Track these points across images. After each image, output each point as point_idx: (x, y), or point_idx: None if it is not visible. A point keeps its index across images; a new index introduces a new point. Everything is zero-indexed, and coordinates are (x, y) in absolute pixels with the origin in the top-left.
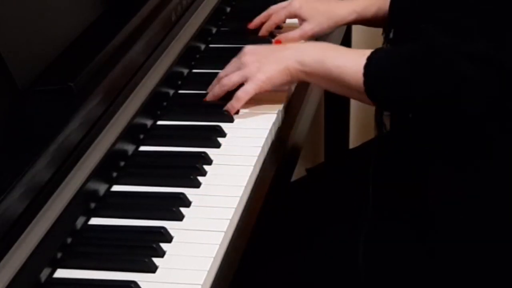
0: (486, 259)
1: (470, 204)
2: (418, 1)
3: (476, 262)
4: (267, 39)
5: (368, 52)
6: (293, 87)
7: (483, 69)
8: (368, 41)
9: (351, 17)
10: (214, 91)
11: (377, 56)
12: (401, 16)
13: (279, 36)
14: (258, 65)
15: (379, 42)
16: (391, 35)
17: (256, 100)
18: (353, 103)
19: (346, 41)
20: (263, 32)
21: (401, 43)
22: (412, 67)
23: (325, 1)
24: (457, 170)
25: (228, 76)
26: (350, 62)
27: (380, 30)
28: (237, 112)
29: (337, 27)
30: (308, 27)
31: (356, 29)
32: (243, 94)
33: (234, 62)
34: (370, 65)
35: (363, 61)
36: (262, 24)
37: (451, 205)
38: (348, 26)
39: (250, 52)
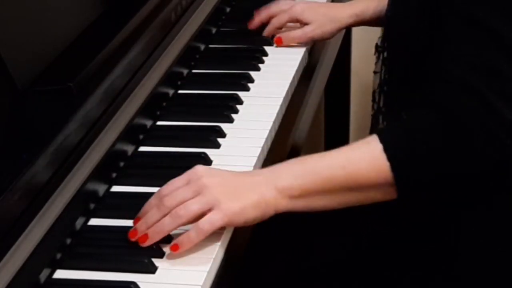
0: (496, 266)
1: (498, 224)
2: (416, 25)
3: (485, 270)
4: (267, 41)
5: (370, 139)
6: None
7: None
8: (368, 41)
9: (351, 20)
10: (165, 227)
11: (391, 134)
12: (397, 38)
13: (281, 35)
14: (224, 191)
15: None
16: (384, 54)
17: (256, 101)
18: (353, 104)
19: (346, 40)
20: (265, 34)
21: (395, 64)
22: (449, 127)
23: (326, 5)
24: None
25: (185, 205)
26: (357, 156)
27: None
28: (235, 111)
29: (338, 31)
30: (309, 29)
31: (356, 29)
32: (207, 226)
33: (185, 186)
34: (391, 147)
35: (375, 147)
36: (262, 24)
37: (458, 218)
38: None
39: (209, 174)
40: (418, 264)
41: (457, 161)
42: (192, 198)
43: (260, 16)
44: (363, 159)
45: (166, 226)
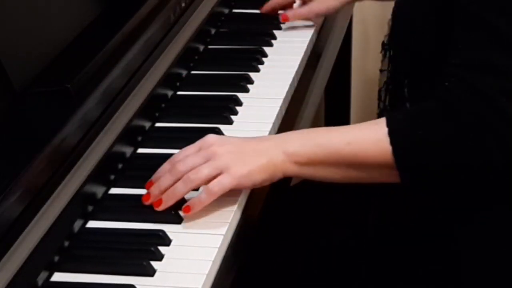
0: (501, 267)
1: (500, 236)
2: (421, 24)
3: (487, 270)
4: (267, 42)
5: (378, 121)
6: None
7: None
8: (368, 41)
9: None
10: (178, 190)
11: (397, 120)
12: (403, 36)
13: (286, 12)
14: (234, 156)
15: (379, 41)
16: (391, 52)
17: (256, 102)
18: (354, 104)
19: (346, 41)
20: (268, 7)
21: (401, 62)
22: (451, 120)
23: None
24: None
25: (196, 169)
26: (363, 135)
27: (383, 26)
28: (235, 113)
29: (342, 5)
30: (315, 5)
31: (356, 29)
32: (217, 188)
33: (197, 153)
34: (395, 131)
35: (381, 129)
36: (272, 10)
37: (460, 216)
38: (348, 26)
39: (220, 142)
40: (420, 267)
41: (455, 151)
42: (203, 164)
43: (268, 3)
44: (368, 139)
45: (179, 190)
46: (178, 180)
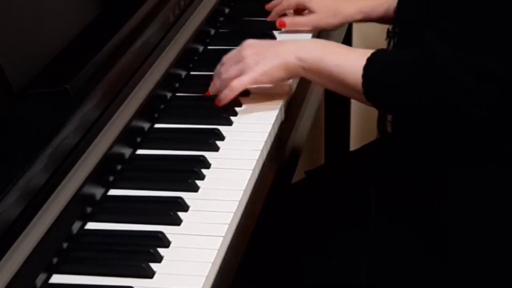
0: (500, 267)
1: (480, 208)
2: (423, 10)
3: (490, 270)
4: (269, 34)
5: (369, 53)
6: (294, 86)
7: (482, 80)
8: (368, 41)
9: (358, 16)
10: (215, 85)
11: (377, 58)
12: (407, 24)
13: (285, 19)
14: (257, 58)
15: (379, 41)
16: (395, 40)
17: (255, 102)
18: (354, 105)
19: (346, 41)
20: (272, 15)
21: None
22: (410, 73)
23: None
24: (464, 172)
25: (226, 70)
26: (349, 62)
27: (383, 26)
28: (234, 114)
29: (342, 24)
30: (314, 18)
31: (356, 29)
32: (237, 84)
33: (233, 56)
34: (369, 67)
35: (363, 61)
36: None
37: (460, 210)
38: (349, 26)
39: (250, 46)
40: (414, 263)
41: (417, 86)
42: (234, 65)
43: (274, 1)
44: (351, 67)
45: (216, 85)
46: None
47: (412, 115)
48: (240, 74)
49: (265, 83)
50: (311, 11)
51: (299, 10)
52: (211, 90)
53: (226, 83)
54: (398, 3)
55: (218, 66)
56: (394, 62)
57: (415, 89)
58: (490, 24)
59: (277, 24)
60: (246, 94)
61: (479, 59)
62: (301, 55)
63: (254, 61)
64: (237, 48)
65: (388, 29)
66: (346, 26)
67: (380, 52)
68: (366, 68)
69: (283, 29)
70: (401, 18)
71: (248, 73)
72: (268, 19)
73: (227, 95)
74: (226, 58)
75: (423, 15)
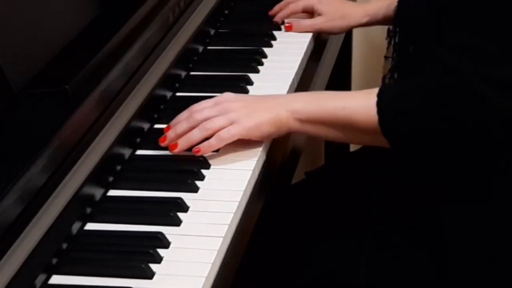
0: (499, 268)
1: (480, 208)
2: (425, 10)
3: (489, 271)
4: (267, 43)
5: (373, 91)
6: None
7: (506, 95)
8: (368, 41)
9: (364, 20)
10: (194, 136)
11: (388, 90)
12: (408, 22)
13: (291, 22)
14: (247, 111)
15: (379, 41)
16: (396, 39)
17: None
18: None
19: (346, 41)
20: (278, 18)
21: (406, 49)
22: (432, 94)
23: (342, 2)
24: (465, 172)
25: (211, 120)
26: (357, 102)
27: (383, 27)
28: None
29: (348, 29)
30: (320, 20)
31: (357, 29)
32: (226, 135)
33: (213, 106)
34: (383, 101)
35: (372, 98)
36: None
37: (460, 210)
38: None
39: (235, 99)
40: (414, 264)
41: (435, 125)
42: (218, 116)
43: (280, 4)
44: (360, 106)
45: (194, 136)
46: (193, 127)
47: (436, 146)
48: (227, 125)
49: (254, 138)
50: (318, 14)
51: (306, 12)
52: (175, 134)
53: (209, 133)
54: (399, 2)
55: (191, 112)
56: (409, 89)
57: (439, 113)
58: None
59: (284, 27)
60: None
61: (503, 72)
62: (294, 106)
63: (243, 114)
64: (213, 99)
65: (388, 28)
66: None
67: (389, 85)
68: (380, 102)
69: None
70: (402, 17)
71: (239, 125)
72: (275, 20)
73: (213, 145)
74: (200, 105)
75: (424, 14)
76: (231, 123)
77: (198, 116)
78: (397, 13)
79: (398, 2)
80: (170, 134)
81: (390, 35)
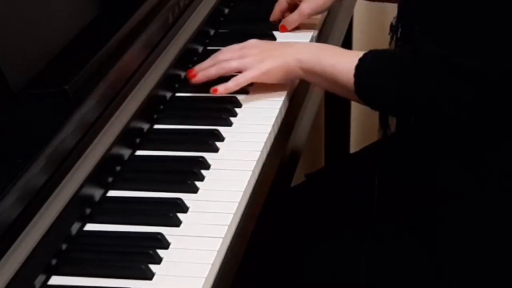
0: (497, 272)
1: (481, 210)
2: (427, 6)
3: (488, 276)
4: (270, 35)
5: (360, 53)
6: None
7: (465, 80)
8: (369, 41)
9: None
10: (210, 71)
11: (368, 57)
12: (409, 18)
13: (283, 22)
14: (261, 58)
15: (379, 41)
16: (398, 34)
17: (255, 103)
18: (354, 107)
19: (347, 42)
20: (271, 19)
21: (409, 43)
22: (398, 72)
23: None
24: (466, 174)
25: (228, 61)
26: (343, 62)
27: (384, 26)
28: (234, 115)
29: (332, 3)
30: (305, 6)
31: (357, 30)
32: (242, 79)
33: (236, 50)
34: (361, 66)
35: (355, 61)
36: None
37: (461, 212)
38: (349, 28)
39: (254, 45)
40: (414, 265)
41: (405, 85)
42: (236, 59)
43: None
44: (344, 66)
45: (211, 71)
46: (214, 62)
47: (399, 113)
48: (241, 68)
49: (266, 82)
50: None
51: (292, 4)
52: (199, 68)
53: (223, 71)
54: (400, 7)
55: (217, 53)
56: (383, 60)
57: (402, 88)
58: (476, 23)
59: (280, 30)
60: (245, 92)
61: (464, 59)
62: (300, 56)
63: (258, 60)
64: (241, 44)
65: (391, 23)
66: (347, 25)
67: (373, 52)
68: (358, 67)
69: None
70: (403, 12)
71: (252, 70)
72: (271, 19)
73: (230, 87)
74: (227, 48)
75: (423, 9)
76: (245, 68)
77: (220, 57)
78: (399, 8)
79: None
80: (195, 68)
81: (392, 30)
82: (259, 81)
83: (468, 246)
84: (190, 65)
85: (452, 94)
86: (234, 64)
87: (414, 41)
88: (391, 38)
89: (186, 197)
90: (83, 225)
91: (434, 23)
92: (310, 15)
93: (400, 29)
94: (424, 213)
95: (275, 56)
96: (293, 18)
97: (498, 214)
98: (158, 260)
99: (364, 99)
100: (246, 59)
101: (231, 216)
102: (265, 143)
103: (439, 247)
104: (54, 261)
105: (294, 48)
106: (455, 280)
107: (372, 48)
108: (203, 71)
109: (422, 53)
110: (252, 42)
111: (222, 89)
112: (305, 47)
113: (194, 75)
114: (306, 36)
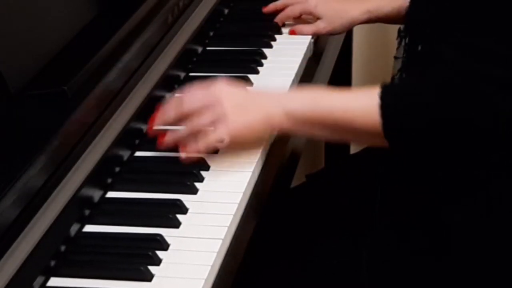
0: (497, 273)
1: (484, 211)
2: (437, 13)
3: (488, 276)
4: (266, 43)
5: (373, 91)
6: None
7: (507, 92)
8: (369, 41)
9: (364, 16)
10: (181, 132)
11: (390, 93)
12: (418, 23)
13: (294, 28)
14: (236, 111)
15: (379, 41)
16: (406, 39)
17: None
18: None
19: (347, 41)
20: (277, 20)
21: (415, 49)
22: (437, 92)
23: (340, 1)
24: (469, 174)
25: (200, 117)
26: (357, 103)
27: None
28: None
29: (351, 27)
30: (322, 25)
31: (357, 30)
32: (213, 140)
33: (206, 99)
34: (386, 105)
35: (374, 100)
36: (275, 11)
37: (464, 212)
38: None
39: (226, 92)
40: (416, 266)
41: (440, 123)
42: (206, 107)
43: (276, 4)
44: (361, 108)
45: (180, 133)
46: (179, 116)
47: (441, 142)
48: (215, 122)
49: (246, 137)
50: (317, 18)
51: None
52: (158, 119)
53: (194, 130)
54: (410, 2)
55: (175, 100)
56: (413, 90)
57: (444, 112)
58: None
59: (289, 32)
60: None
61: (506, 72)
62: (291, 107)
63: (233, 114)
64: (208, 90)
65: (399, 28)
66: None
67: (387, 87)
68: (383, 106)
69: (285, 24)
70: (413, 18)
71: (226, 125)
72: (275, 21)
73: (201, 151)
74: (191, 96)
75: (436, 15)
76: (218, 120)
77: (186, 106)
78: (408, 13)
79: (410, 2)
80: (157, 119)
81: (400, 35)
82: (235, 139)
83: (470, 247)
84: (190, 66)
85: (495, 108)
86: (207, 120)
87: (444, 59)
88: (399, 43)
89: (185, 198)
90: (82, 226)
91: (466, 38)
92: (325, 35)
93: (409, 34)
94: (425, 214)
95: (255, 108)
96: (307, 30)
97: (501, 213)
98: (157, 262)
99: (395, 134)
100: (217, 110)
101: (231, 217)
102: (265, 143)
103: (440, 248)
104: (53, 263)
105: (278, 98)
106: (457, 280)
107: (373, 48)
108: (171, 133)
109: (454, 72)
110: (221, 88)
111: (192, 150)
112: (292, 96)
113: (161, 141)
114: (305, 36)
